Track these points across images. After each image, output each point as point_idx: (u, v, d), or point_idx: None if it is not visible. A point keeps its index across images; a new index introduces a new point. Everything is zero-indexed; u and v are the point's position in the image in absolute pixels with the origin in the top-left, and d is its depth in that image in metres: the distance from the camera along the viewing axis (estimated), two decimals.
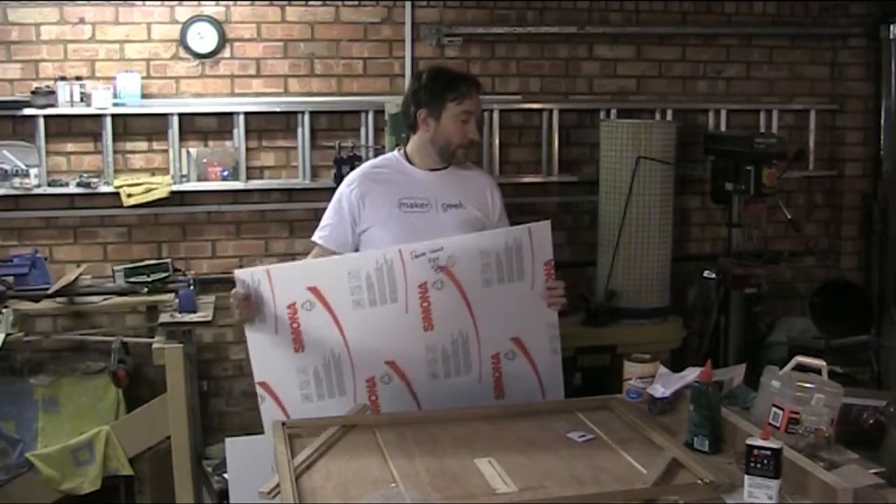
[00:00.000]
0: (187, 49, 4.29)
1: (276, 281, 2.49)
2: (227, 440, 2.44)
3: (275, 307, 2.50)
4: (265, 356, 2.54)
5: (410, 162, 2.83)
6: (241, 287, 2.50)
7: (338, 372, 2.52)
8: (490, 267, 2.56)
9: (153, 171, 4.31)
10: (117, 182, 4.19)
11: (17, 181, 4.06)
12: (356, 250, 2.81)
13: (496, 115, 4.59)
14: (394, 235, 2.69)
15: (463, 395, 2.58)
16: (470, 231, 2.73)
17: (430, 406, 2.55)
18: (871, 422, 2.35)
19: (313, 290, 2.48)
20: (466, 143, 2.79)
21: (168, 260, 4.21)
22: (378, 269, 2.49)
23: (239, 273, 2.53)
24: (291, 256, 4.46)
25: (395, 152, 2.90)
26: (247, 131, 4.35)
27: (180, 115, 4.27)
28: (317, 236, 2.86)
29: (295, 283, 2.50)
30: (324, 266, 2.64)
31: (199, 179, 4.31)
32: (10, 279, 3.87)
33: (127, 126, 4.27)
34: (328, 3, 4.43)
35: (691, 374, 2.43)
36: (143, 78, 4.22)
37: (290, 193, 4.46)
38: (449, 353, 2.55)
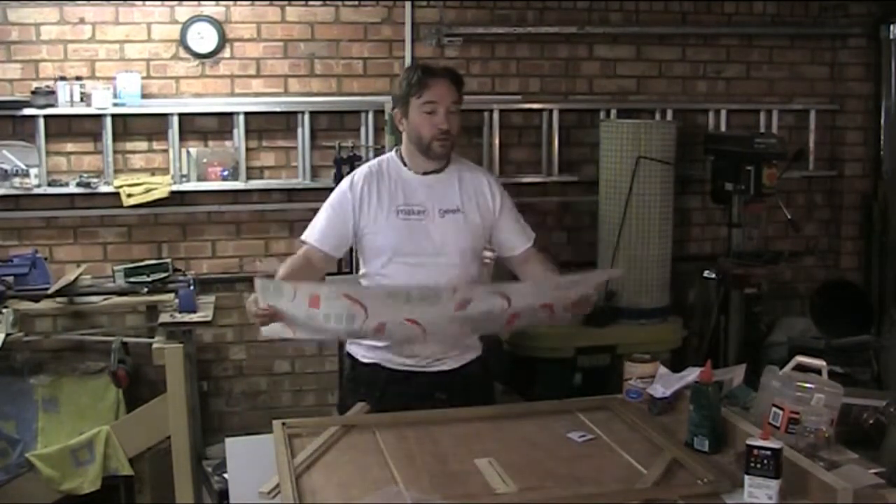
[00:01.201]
0: (187, 49, 4.29)
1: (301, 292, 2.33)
2: (227, 440, 2.43)
3: (296, 295, 2.33)
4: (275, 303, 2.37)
5: (405, 164, 2.76)
6: (263, 295, 2.32)
7: (350, 319, 2.36)
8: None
9: (153, 171, 4.31)
10: (117, 182, 4.19)
11: (17, 181, 4.07)
12: (351, 254, 2.77)
13: (496, 115, 4.59)
14: (391, 242, 2.65)
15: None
16: (468, 236, 2.69)
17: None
18: (871, 422, 2.35)
19: (346, 295, 2.33)
20: (439, 136, 2.64)
21: (168, 260, 4.21)
22: (422, 292, 2.38)
23: (259, 282, 2.32)
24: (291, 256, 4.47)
25: (393, 153, 2.82)
26: (247, 131, 4.35)
27: (180, 115, 4.27)
28: (310, 238, 2.72)
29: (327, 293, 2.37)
30: (360, 288, 2.57)
31: (199, 179, 4.31)
32: (10, 279, 3.87)
33: (127, 126, 4.28)
34: (328, 3, 4.43)
35: (691, 374, 2.42)
36: (143, 78, 4.22)
37: (290, 193, 4.46)
38: (473, 317, 2.44)
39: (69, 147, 4.25)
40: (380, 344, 2.66)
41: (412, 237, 2.65)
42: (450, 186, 2.73)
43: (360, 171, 2.77)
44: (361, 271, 2.80)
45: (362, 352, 2.75)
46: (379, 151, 4.40)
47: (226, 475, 2.68)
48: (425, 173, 2.72)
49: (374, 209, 2.68)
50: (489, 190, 2.77)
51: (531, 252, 2.80)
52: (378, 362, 2.70)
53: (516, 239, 2.78)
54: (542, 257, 2.83)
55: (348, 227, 2.70)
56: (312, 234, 2.73)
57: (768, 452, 1.90)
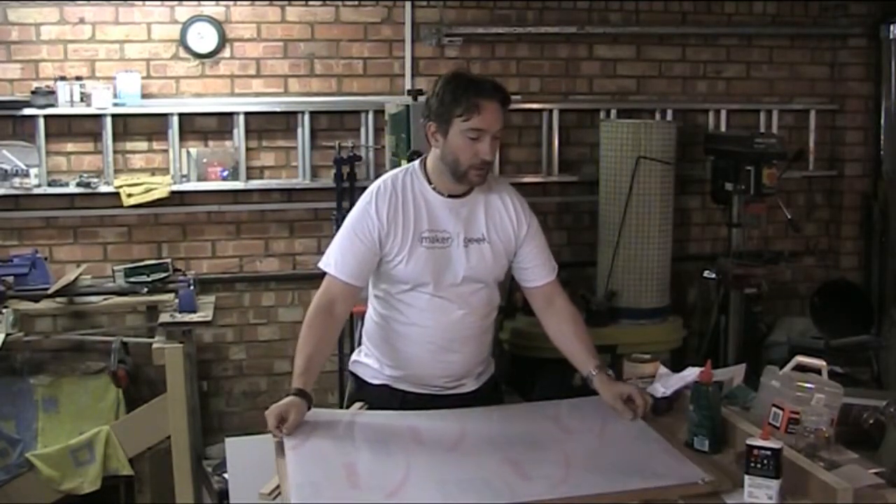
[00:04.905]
0: (187, 49, 4.29)
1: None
2: (227, 440, 2.42)
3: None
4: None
5: (430, 181, 2.53)
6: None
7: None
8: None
9: (153, 171, 4.31)
10: (117, 182, 4.19)
11: (17, 181, 4.07)
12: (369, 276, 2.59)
13: None
14: (415, 273, 2.50)
15: None
16: (492, 266, 2.56)
17: None
18: (871, 422, 2.35)
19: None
20: (479, 165, 2.43)
21: (168, 260, 4.21)
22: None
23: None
24: (291, 256, 4.47)
25: (417, 166, 2.57)
26: (247, 131, 4.35)
27: (180, 115, 4.27)
28: (335, 270, 2.49)
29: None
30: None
31: (199, 179, 4.31)
32: (10, 279, 3.87)
33: (127, 126, 4.27)
34: (328, 3, 4.43)
35: (691, 374, 2.42)
36: (143, 78, 4.22)
37: (290, 193, 4.46)
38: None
39: (69, 147, 4.25)
40: (396, 373, 2.60)
41: (436, 267, 2.50)
42: (476, 212, 2.55)
43: (383, 192, 2.53)
44: (375, 292, 2.62)
45: (370, 373, 2.65)
46: (379, 151, 4.41)
47: (226, 475, 2.69)
48: (451, 196, 2.53)
49: (399, 237, 2.49)
50: (515, 215, 2.59)
51: (554, 290, 2.64)
52: (388, 384, 2.61)
53: (536, 271, 2.62)
54: (573, 313, 2.64)
55: (375, 255, 2.51)
56: (338, 264, 2.50)
57: (768, 452, 1.90)
